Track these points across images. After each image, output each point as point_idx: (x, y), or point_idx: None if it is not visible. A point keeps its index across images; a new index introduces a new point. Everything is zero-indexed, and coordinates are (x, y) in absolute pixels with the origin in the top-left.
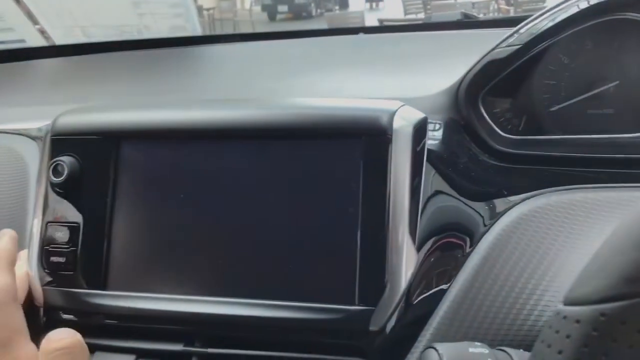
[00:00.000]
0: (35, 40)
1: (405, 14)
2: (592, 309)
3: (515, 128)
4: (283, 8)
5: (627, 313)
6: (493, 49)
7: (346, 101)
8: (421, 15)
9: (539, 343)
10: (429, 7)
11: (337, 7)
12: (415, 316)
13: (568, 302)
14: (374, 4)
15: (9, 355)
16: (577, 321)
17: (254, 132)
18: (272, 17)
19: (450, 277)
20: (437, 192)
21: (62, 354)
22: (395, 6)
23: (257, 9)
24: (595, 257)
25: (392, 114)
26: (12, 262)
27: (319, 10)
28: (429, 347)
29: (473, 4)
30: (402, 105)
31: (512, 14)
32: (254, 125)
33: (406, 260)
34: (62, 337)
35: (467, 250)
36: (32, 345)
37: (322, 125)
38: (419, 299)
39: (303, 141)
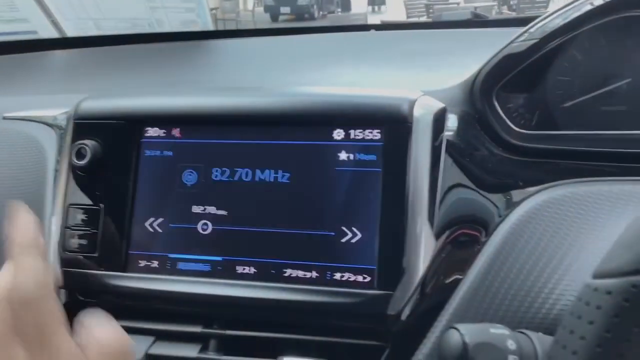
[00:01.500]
0: (47, 32)
1: (408, 17)
2: (624, 281)
3: (528, 123)
4: (285, 9)
5: None
6: (510, 43)
7: (367, 90)
8: (424, 19)
9: (568, 315)
10: (431, 10)
11: (339, 10)
12: (432, 301)
13: (598, 275)
14: (376, 7)
15: (48, 354)
16: (609, 292)
17: (277, 119)
18: (274, 18)
19: (466, 265)
20: (454, 182)
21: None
22: (397, 9)
23: (260, 10)
24: (627, 231)
25: (413, 103)
26: (42, 249)
27: (321, 13)
28: (451, 327)
29: (475, 8)
30: (422, 95)
31: None
32: (277, 111)
33: (425, 246)
34: (110, 338)
35: (483, 239)
36: (72, 342)
37: (345, 113)
38: (437, 285)
39: (326, 128)
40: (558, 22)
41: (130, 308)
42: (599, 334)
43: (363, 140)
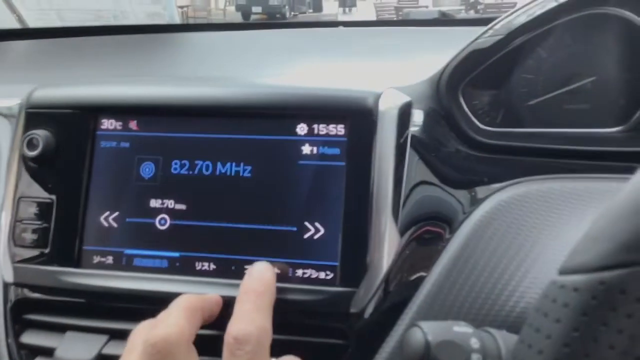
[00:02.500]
0: (7, 22)
1: (378, 18)
2: (591, 277)
3: (493, 120)
4: (257, 9)
5: (626, 281)
6: (476, 39)
7: (332, 83)
8: None
9: (533, 312)
10: (400, 12)
11: (310, 10)
12: (396, 299)
13: (565, 271)
14: (347, 9)
15: None
16: (575, 289)
17: (238, 110)
18: (246, 17)
19: (430, 262)
20: (418, 178)
21: None
22: (367, 12)
23: (231, 9)
24: (594, 225)
25: (378, 96)
26: (272, 304)
27: (292, 13)
28: (413, 325)
29: (443, 13)
30: (387, 88)
31: None
32: (239, 103)
33: (389, 243)
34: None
35: (447, 236)
36: None
37: (309, 105)
38: (400, 282)
39: (289, 122)
40: (523, 18)
41: (83, 305)
42: (566, 332)
43: (327, 135)
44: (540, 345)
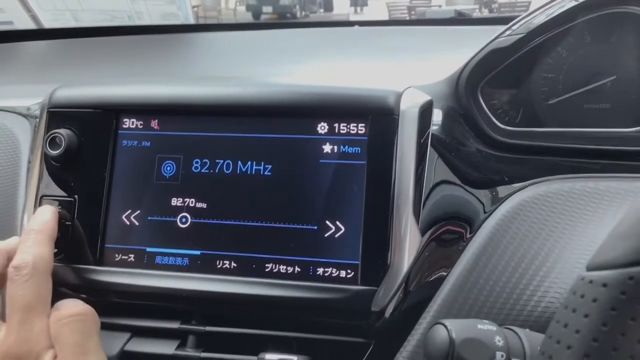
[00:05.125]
0: (23, 23)
1: (390, 18)
2: (620, 272)
3: (512, 119)
4: (267, 9)
5: None
6: (495, 38)
7: (354, 82)
8: None
9: (562, 309)
10: (413, 12)
11: (321, 10)
12: (416, 298)
13: (593, 267)
14: (358, 8)
15: (27, 324)
16: (604, 285)
17: (257, 109)
18: (256, 17)
19: (451, 261)
20: (439, 177)
21: (73, 320)
22: (379, 11)
23: (242, 8)
24: (622, 222)
25: (400, 95)
26: (53, 237)
27: (303, 13)
28: (437, 323)
29: (460, 12)
30: (408, 87)
31: None
32: (258, 101)
33: (410, 242)
34: (72, 305)
35: (468, 235)
36: (46, 319)
37: (330, 104)
38: (421, 281)
39: (310, 121)
40: (543, 18)
41: (105, 303)
42: (594, 327)
43: (348, 134)
44: (569, 341)
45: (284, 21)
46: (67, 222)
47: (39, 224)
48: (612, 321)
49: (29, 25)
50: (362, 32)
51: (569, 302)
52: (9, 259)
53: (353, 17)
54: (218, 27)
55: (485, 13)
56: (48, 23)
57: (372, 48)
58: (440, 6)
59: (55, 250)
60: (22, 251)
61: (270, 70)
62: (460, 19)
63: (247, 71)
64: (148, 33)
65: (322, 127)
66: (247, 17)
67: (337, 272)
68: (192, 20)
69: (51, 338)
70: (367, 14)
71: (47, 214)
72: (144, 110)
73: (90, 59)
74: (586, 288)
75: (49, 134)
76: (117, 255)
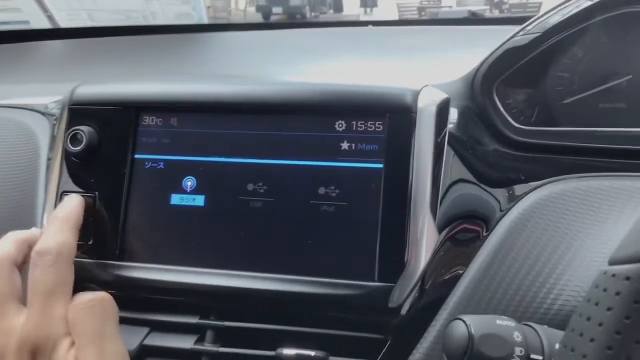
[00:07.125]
0: (39, 22)
1: (400, 19)
2: None
3: (528, 118)
4: (277, 10)
5: None
6: (511, 37)
7: (371, 80)
8: None
9: (584, 302)
10: (423, 12)
11: (331, 11)
12: (433, 295)
13: (616, 261)
14: (368, 9)
15: (47, 310)
16: (627, 278)
17: (276, 106)
18: (266, 17)
19: (468, 259)
20: (455, 175)
21: (91, 305)
22: (389, 12)
23: (252, 10)
24: None
25: (417, 93)
26: (78, 225)
27: (313, 13)
28: (456, 318)
29: (473, 13)
30: (425, 85)
31: None
32: (276, 99)
33: (426, 240)
34: (90, 293)
35: (484, 234)
36: (66, 307)
37: (347, 102)
38: (438, 279)
39: (327, 117)
40: (558, 17)
41: (124, 297)
42: (618, 320)
43: (365, 131)
44: (592, 333)
45: (295, 21)
46: (87, 218)
47: (64, 212)
48: (635, 314)
49: (45, 25)
50: (374, 32)
51: (591, 295)
52: (30, 247)
53: (363, 18)
54: (231, 27)
55: (496, 14)
56: (64, 23)
57: (385, 48)
58: (450, 6)
59: (79, 241)
60: (46, 237)
61: (285, 69)
62: (474, 19)
63: (261, 70)
64: (162, 33)
65: (340, 125)
66: (257, 18)
67: (354, 268)
68: (206, 20)
69: (68, 324)
70: (376, 15)
71: (73, 202)
72: (163, 107)
73: (105, 58)
74: (609, 281)
75: (70, 130)
76: (136, 251)
